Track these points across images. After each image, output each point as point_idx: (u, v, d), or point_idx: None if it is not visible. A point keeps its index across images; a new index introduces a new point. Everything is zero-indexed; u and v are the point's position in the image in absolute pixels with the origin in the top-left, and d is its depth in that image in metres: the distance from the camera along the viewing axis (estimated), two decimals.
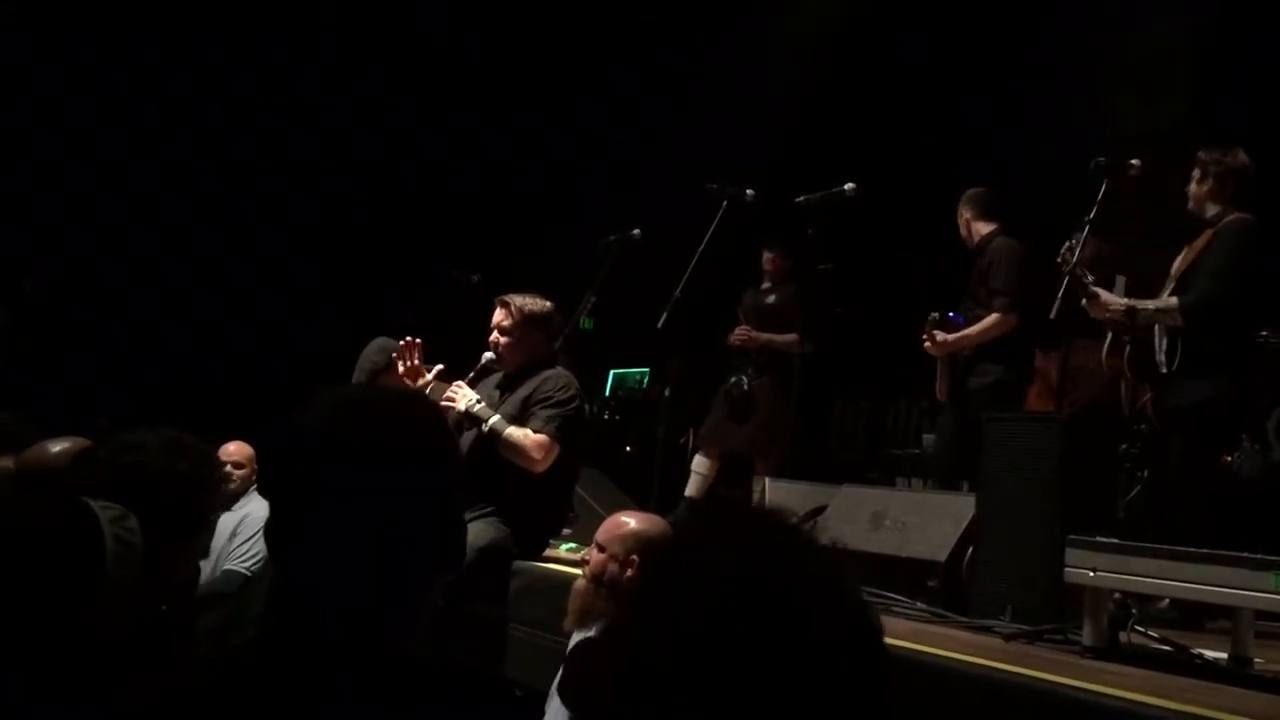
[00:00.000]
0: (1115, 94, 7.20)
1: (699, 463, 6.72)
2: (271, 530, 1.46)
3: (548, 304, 4.88)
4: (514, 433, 4.64)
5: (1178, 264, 4.63)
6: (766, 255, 6.80)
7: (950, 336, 5.38)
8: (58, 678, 1.75)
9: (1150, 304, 4.50)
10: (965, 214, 5.66)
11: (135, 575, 1.91)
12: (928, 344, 5.43)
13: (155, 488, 2.12)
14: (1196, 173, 4.59)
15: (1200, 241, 4.55)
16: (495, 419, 4.67)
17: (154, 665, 1.64)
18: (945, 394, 5.52)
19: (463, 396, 4.73)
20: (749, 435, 6.54)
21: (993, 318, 5.34)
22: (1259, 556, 3.08)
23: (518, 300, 4.82)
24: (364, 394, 1.53)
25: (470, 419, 4.70)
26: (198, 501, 2.36)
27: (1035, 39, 7.50)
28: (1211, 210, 4.57)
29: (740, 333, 6.67)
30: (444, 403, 4.71)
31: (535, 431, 4.66)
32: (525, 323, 4.79)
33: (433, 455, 1.50)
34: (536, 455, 4.63)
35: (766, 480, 5.20)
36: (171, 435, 2.34)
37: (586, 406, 4.99)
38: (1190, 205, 4.64)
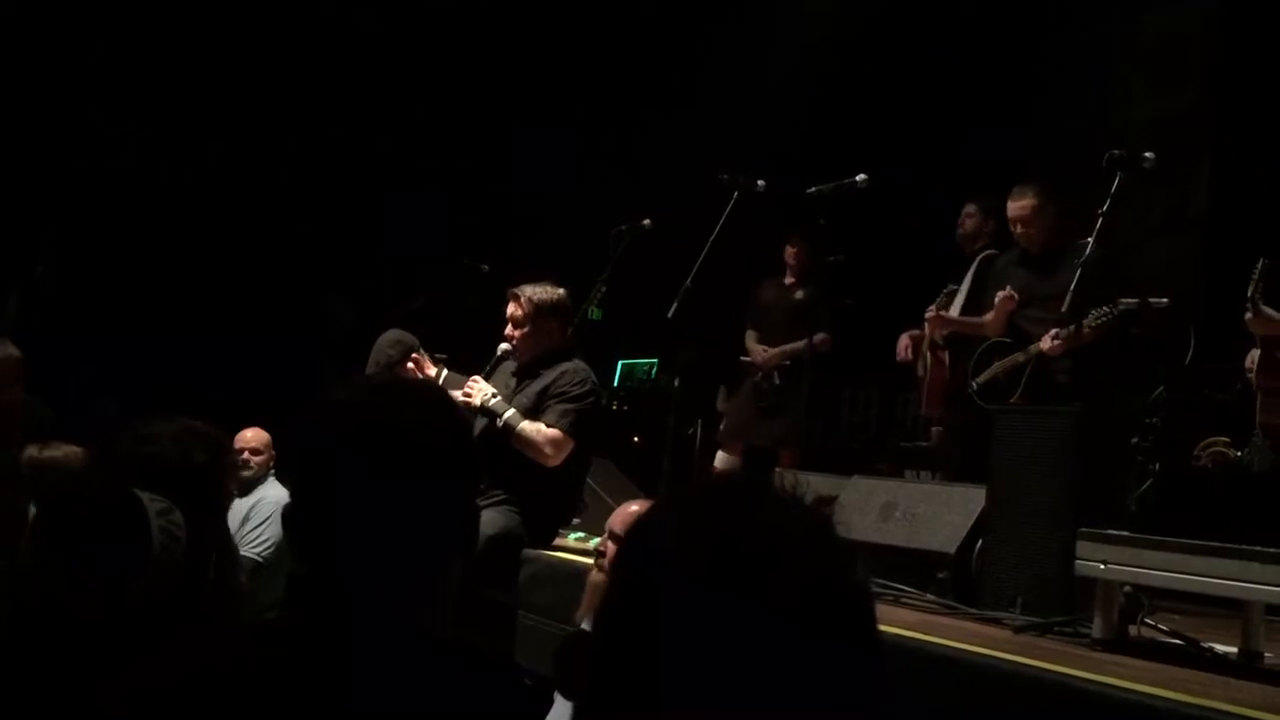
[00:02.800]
0: (1126, 83, 7.18)
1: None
2: (292, 515, 1.49)
3: (560, 291, 4.89)
4: (527, 428, 4.66)
5: None
6: (790, 249, 6.76)
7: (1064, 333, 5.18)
8: (95, 650, 1.83)
9: None
10: (1055, 209, 5.37)
11: (178, 566, 2.00)
12: (1048, 345, 5.15)
13: (172, 478, 2.16)
14: None
15: None
16: (510, 413, 4.68)
17: (181, 645, 1.67)
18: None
19: (479, 392, 4.76)
20: (779, 429, 6.54)
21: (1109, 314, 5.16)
22: (1271, 550, 3.07)
23: (528, 291, 4.83)
24: (386, 384, 1.55)
25: (485, 413, 4.72)
26: (214, 490, 2.40)
27: (1047, 27, 7.48)
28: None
29: (762, 360, 6.72)
30: (461, 397, 4.73)
31: (549, 426, 4.68)
32: (538, 313, 4.81)
33: (450, 444, 1.53)
34: (549, 451, 4.65)
35: (776, 471, 5.19)
36: (186, 425, 2.37)
37: (602, 400, 5.01)
38: None
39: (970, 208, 6.21)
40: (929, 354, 6.14)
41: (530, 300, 4.81)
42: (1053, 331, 5.13)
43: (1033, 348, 5.23)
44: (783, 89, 8.08)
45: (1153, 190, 5.78)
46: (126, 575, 1.94)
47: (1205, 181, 6.35)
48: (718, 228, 5.87)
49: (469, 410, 4.71)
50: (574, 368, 4.82)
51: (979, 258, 6.11)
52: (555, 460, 4.67)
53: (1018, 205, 5.34)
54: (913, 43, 7.85)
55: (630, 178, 8.04)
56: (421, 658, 1.43)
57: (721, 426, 6.95)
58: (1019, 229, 5.37)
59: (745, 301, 6.87)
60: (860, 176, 5.71)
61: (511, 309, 4.86)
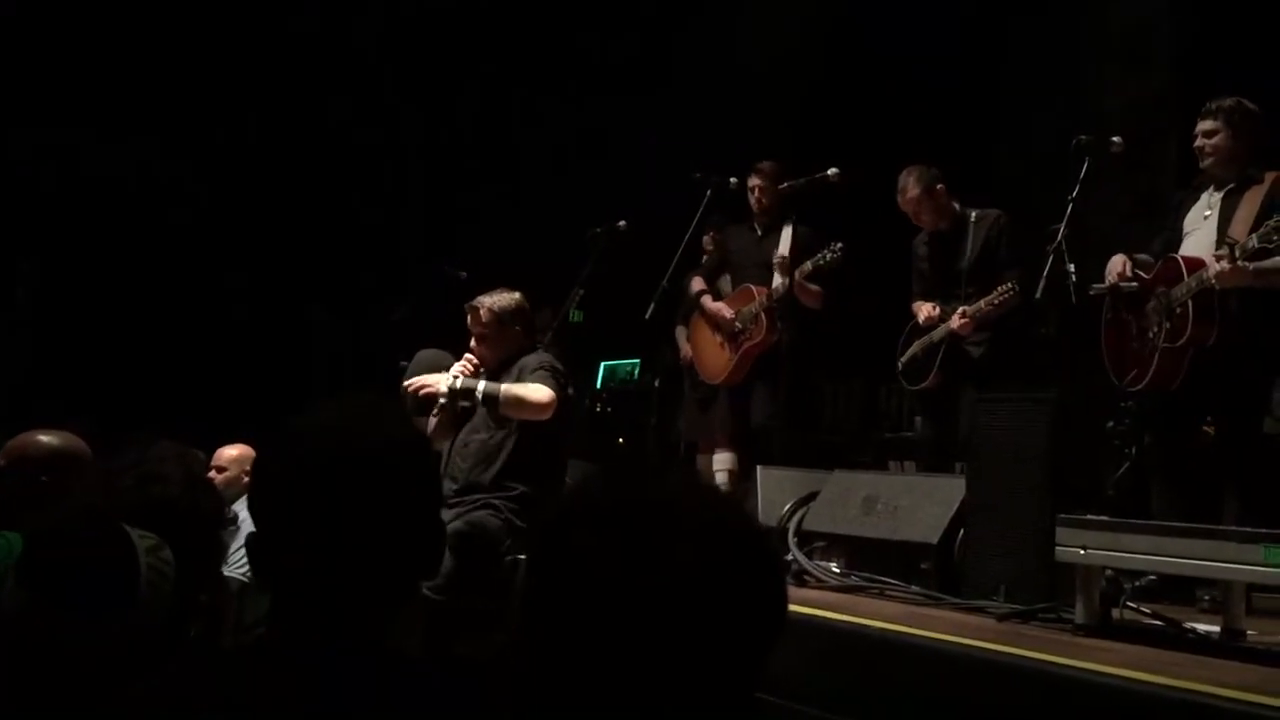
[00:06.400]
0: (1097, 68, 7.20)
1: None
2: (258, 543, 1.48)
3: (516, 295, 4.90)
4: (512, 386, 4.63)
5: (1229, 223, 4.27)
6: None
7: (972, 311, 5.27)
8: (83, 687, 1.84)
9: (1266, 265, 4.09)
10: (939, 189, 5.48)
11: (167, 602, 2.01)
12: (957, 324, 5.29)
13: (178, 523, 2.16)
14: (1221, 126, 4.35)
15: (1257, 194, 4.26)
16: (484, 384, 4.66)
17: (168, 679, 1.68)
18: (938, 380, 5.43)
19: (440, 379, 4.72)
20: (715, 420, 6.42)
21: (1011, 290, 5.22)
22: (1247, 530, 3.10)
23: (486, 301, 4.85)
24: (346, 407, 1.55)
25: (460, 395, 4.67)
26: (216, 537, 2.42)
27: (1019, 13, 7.50)
28: (1244, 164, 4.34)
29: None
30: (423, 392, 4.69)
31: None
32: (498, 321, 4.82)
33: (413, 463, 1.53)
34: (542, 399, 4.57)
35: (759, 469, 5.17)
36: (193, 470, 2.38)
37: (571, 388, 4.94)
38: (1211, 161, 4.39)
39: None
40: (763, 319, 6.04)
41: (490, 310, 4.83)
42: (960, 310, 5.25)
43: (941, 328, 5.36)
44: (754, 86, 8.07)
45: (1125, 174, 5.80)
46: (113, 611, 1.95)
47: (1175, 164, 6.37)
48: (692, 226, 5.89)
49: (438, 399, 4.67)
50: (537, 356, 4.83)
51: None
52: (546, 412, 4.60)
53: (905, 199, 5.49)
54: (882, 35, 7.86)
55: (605, 179, 8.03)
56: (395, 677, 1.44)
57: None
58: (915, 219, 5.50)
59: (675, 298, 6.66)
60: (832, 170, 5.75)
61: (471, 322, 4.88)
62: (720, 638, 1.10)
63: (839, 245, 5.66)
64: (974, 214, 5.45)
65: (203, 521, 2.30)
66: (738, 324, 6.02)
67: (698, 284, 6.34)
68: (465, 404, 4.73)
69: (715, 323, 6.14)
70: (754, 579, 1.14)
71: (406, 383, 4.78)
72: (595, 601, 1.09)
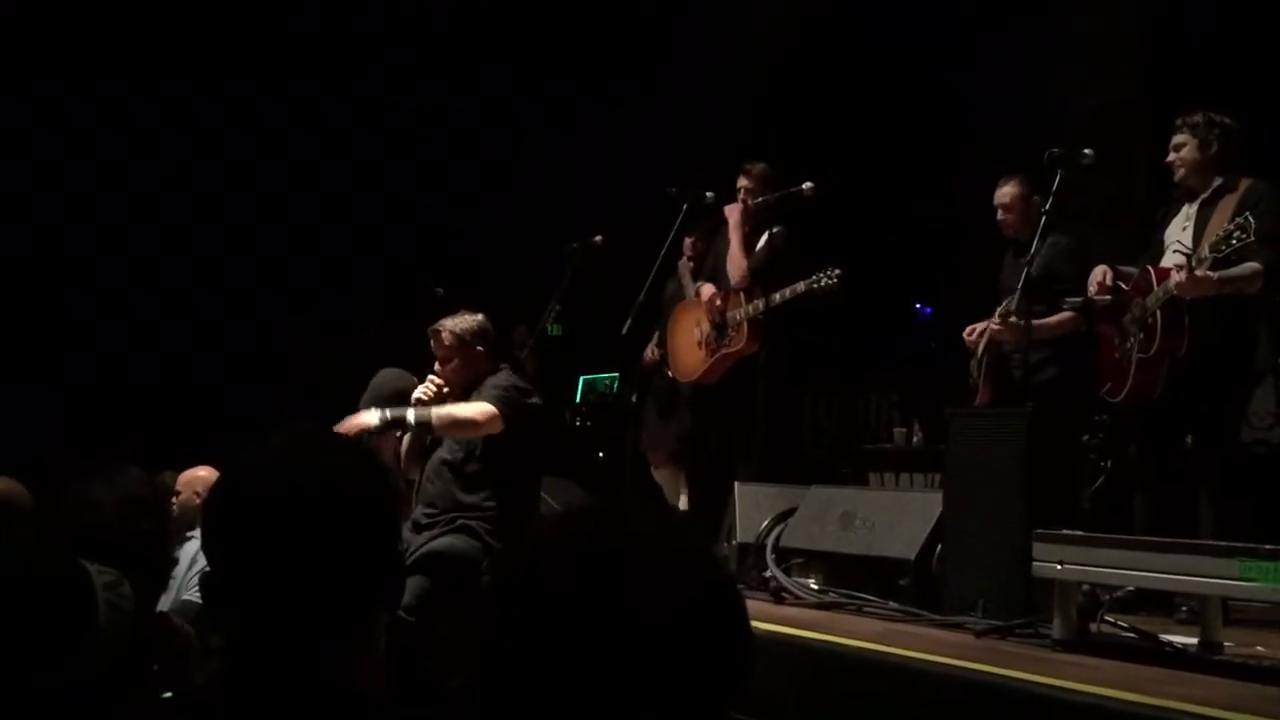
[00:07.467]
0: (1067, 73, 7.22)
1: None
2: (212, 582, 1.46)
3: (478, 317, 4.89)
4: (444, 407, 4.63)
5: (1191, 233, 4.30)
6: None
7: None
8: None
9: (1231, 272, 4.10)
10: (1035, 199, 5.22)
11: (126, 639, 1.96)
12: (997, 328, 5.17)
13: (117, 550, 2.13)
14: (1188, 139, 4.38)
15: (1230, 203, 4.25)
16: (414, 411, 4.64)
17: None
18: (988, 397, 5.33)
19: (371, 413, 4.66)
20: (677, 430, 6.31)
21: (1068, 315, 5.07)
22: (1223, 544, 3.10)
23: (448, 324, 4.84)
24: (300, 441, 1.53)
25: (393, 425, 4.64)
26: (161, 559, 2.38)
27: (988, 18, 7.52)
28: (1216, 176, 4.35)
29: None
30: (356, 431, 4.62)
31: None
32: (461, 343, 4.81)
33: (369, 497, 1.51)
34: (476, 415, 4.55)
35: (736, 485, 5.14)
36: (129, 491, 2.33)
37: (536, 400, 4.90)
38: (1183, 174, 4.40)
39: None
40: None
41: (452, 333, 4.82)
42: (976, 327, 5.21)
43: (981, 344, 5.31)
44: (729, 100, 8.07)
45: (1096, 180, 5.79)
46: (72, 649, 1.92)
47: (1144, 169, 6.39)
48: (668, 241, 5.88)
49: (370, 431, 4.62)
50: (498, 376, 4.81)
51: None
52: (483, 429, 4.57)
53: (1002, 192, 5.37)
54: (854, 45, 7.87)
55: (582, 194, 8.03)
56: (362, 709, 1.42)
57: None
58: (1000, 214, 5.40)
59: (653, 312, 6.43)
60: (806, 185, 5.73)
61: (435, 347, 4.86)
62: (682, 679, 1.10)
63: (836, 271, 5.53)
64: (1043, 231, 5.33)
65: (142, 543, 2.26)
66: (723, 313, 5.92)
67: (707, 289, 6.23)
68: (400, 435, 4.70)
69: (701, 313, 6.03)
70: (716, 620, 1.14)
71: (336, 428, 4.68)
72: (558, 637, 1.09)
